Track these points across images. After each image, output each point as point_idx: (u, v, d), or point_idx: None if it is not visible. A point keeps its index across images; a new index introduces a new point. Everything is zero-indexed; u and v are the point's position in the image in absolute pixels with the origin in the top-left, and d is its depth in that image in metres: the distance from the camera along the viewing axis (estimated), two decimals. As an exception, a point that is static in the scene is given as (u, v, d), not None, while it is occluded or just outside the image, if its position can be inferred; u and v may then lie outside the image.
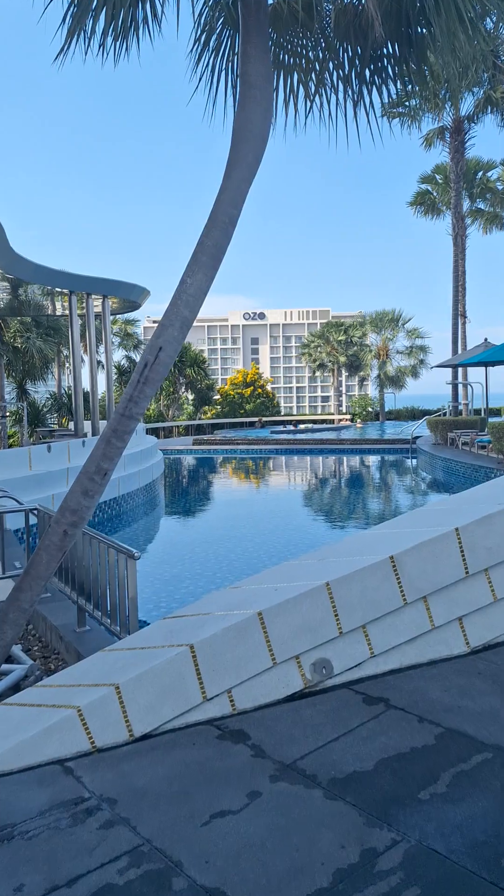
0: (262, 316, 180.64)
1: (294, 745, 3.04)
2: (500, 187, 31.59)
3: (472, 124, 24.35)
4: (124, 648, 3.73)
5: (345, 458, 26.44)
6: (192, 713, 3.36)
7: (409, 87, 5.15)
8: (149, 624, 4.11)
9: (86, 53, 4.24)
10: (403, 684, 3.53)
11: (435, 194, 31.14)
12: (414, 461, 24.10)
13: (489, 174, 30.43)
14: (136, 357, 39.76)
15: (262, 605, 3.55)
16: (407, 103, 24.26)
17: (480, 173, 30.18)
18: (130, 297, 19.68)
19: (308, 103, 5.21)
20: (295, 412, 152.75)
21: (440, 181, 30.44)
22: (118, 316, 38.78)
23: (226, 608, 3.68)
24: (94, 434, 19.32)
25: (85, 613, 4.91)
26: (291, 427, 38.60)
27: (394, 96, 5.13)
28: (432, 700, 3.34)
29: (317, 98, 5.25)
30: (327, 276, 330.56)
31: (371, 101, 4.97)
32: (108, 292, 18.74)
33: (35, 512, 5.78)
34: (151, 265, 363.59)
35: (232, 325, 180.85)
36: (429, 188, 31.13)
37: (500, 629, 3.93)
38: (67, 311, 20.16)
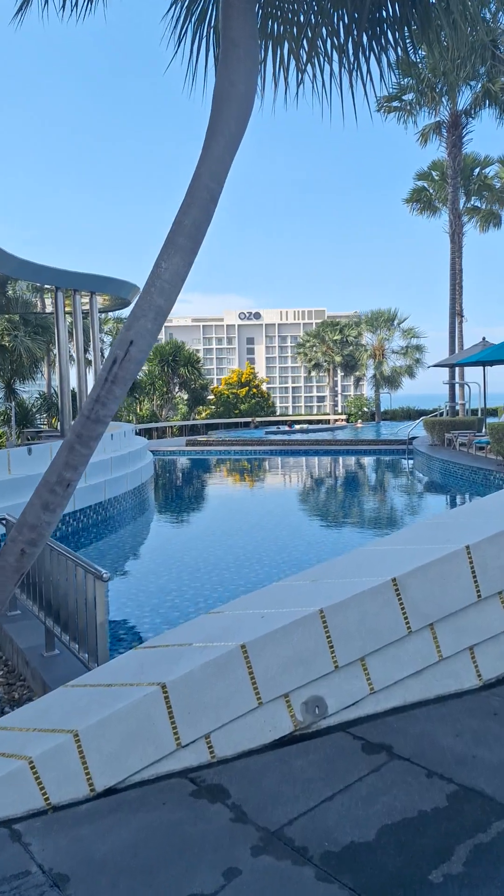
0: (257, 316, 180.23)
1: (281, 806, 2.59)
2: (498, 184, 31.22)
3: (470, 119, 23.94)
4: (89, 684, 3.28)
5: (340, 460, 25.99)
6: (164, 762, 2.91)
7: (412, 54, 4.66)
8: (124, 651, 3.66)
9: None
10: (408, 727, 3.08)
11: (431, 191, 30.72)
12: (410, 462, 23.67)
13: (486, 171, 30.04)
14: (129, 356, 39.24)
15: (246, 635, 3.09)
16: (403, 97, 23.85)
17: (478, 170, 29.79)
18: (120, 293, 19.20)
19: (300, 76, 4.74)
20: (291, 412, 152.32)
21: (437, 178, 30.02)
22: (110, 314, 38.29)
23: (206, 638, 3.23)
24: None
25: (53, 636, 4.45)
26: (286, 427, 38.11)
27: (394, 63, 4.65)
28: (442, 748, 2.89)
29: (309, 71, 4.78)
30: (324, 275, 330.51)
31: (369, 70, 4.50)
32: (95, 289, 18.26)
33: (3, 522, 5.31)
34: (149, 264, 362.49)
35: (227, 325, 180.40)
36: (425, 185, 30.69)
37: (516, 659, 3.48)
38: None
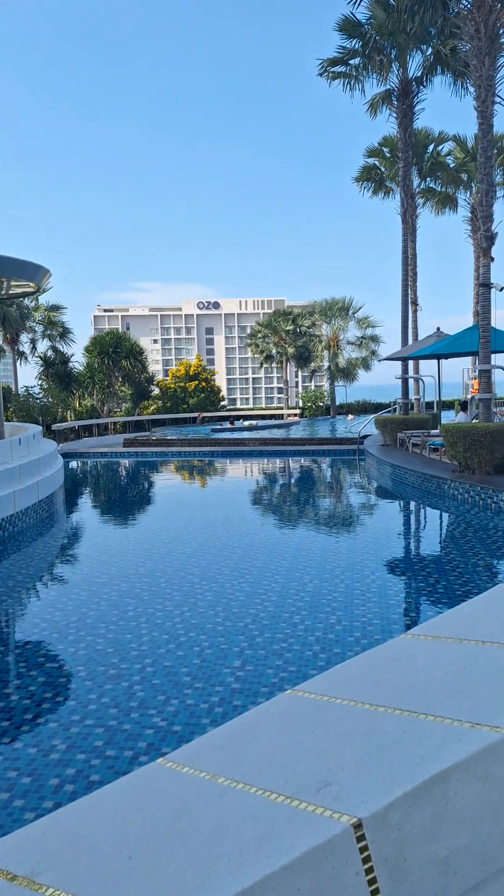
0: (216, 305, 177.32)
1: None
2: (452, 164, 29.25)
3: (422, 87, 21.78)
4: None
5: (287, 462, 23.80)
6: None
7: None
8: None
9: None
10: None
11: (383, 170, 28.60)
12: (360, 465, 21.58)
13: (440, 148, 28.01)
14: (63, 348, 36.47)
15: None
16: (349, 61, 21.60)
17: (431, 147, 27.77)
18: (22, 277, 16.64)
19: None
20: (251, 404, 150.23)
21: (388, 155, 27.93)
22: (42, 301, 35.53)
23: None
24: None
25: None
26: (229, 424, 35.73)
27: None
28: None
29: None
30: (284, 265, 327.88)
31: None
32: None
33: None
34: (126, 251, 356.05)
35: (186, 315, 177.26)
36: (376, 162, 28.56)
37: None
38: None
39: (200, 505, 16.37)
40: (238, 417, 41.42)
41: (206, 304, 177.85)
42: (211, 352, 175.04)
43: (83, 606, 7.73)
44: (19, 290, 19.33)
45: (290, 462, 23.60)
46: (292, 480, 20.36)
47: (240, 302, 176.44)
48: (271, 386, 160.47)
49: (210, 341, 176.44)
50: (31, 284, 17.79)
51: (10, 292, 19.55)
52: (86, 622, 7.17)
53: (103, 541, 12.21)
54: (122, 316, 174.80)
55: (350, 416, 41.61)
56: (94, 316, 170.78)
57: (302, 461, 23.52)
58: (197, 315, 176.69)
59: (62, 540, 12.59)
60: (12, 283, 18.75)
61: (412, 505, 15.11)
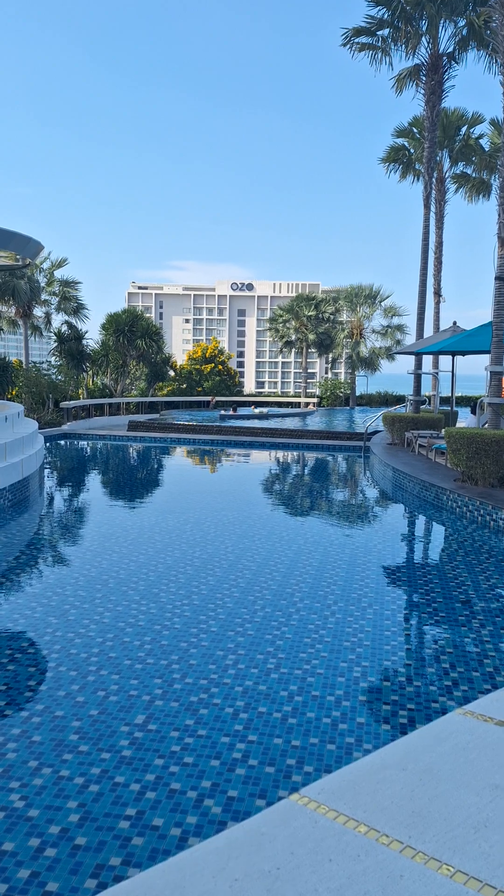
0: (250, 287, 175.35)
1: None
2: (487, 147, 27.56)
3: (453, 63, 20.25)
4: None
5: (289, 455, 22.72)
6: None
7: None
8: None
9: None
10: None
11: (412, 151, 27.04)
12: (363, 464, 20.42)
13: (472, 130, 26.34)
14: (77, 323, 35.59)
15: None
16: (377, 32, 20.16)
17: (464, 128, 26.13)
18: (8, 247, 15.67)
19: None
20: (279, 389, 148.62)
21: (419, 136, 26.37)
22: (56, 275, 34.68)
23: None
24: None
25: None
26: (231, 411, 34.51)
27: None
28: None
29: None
30: (322, 249, 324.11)
31: None
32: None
33: None
34: (158, 224, 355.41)
35: (219, 296, 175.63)
36: (405, 143, 27.00)
37: None
38: None
39: (179, 497, 15.34)
40: (241, 404, 40.25)
41: (239, 285, 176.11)
42: (242, 334, 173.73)
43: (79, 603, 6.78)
44: (9, 263, 18.40)
45: (291, 456, 22.49)
46: (288, 477, 19.27)
47: (274, 284, 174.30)
48: (300, 371, 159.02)
49: (241, 323, 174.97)
50: (17, 255, 16.85)
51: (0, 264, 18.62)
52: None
53: (73, 525, 11.26)
54: (155, 294, 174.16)
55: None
56: (128, 293, 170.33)
57: (304, 456, 22.40)
58: (230, 296, 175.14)
59: (36, 521, 11.67)
60: (6, 256, 17.86)
61: (406, 516, 13.95)
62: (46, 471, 17.68)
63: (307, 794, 1.56)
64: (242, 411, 35.58)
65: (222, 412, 34.09)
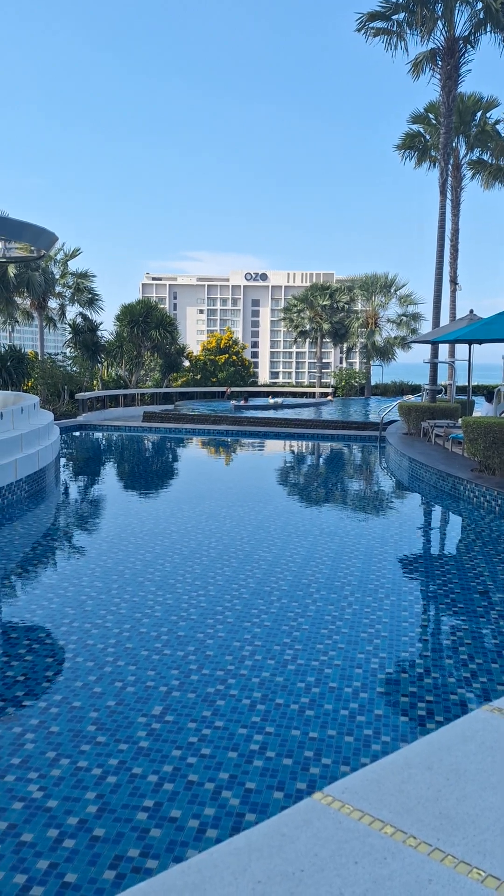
0: (263, 277, 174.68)
1: None
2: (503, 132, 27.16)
3: (469, 47, 19.95)
4: None
5: (304, 446, 22.65)
6: None
7: None
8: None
9: None
10: None
11: (427, 137, 26.72)
12: (379, 454, 20.30)
13: (489, 115, 25.97)
14: (92, 314, 35.61)
15: None
16: (392, 16, 19.89)
17: (479, 113, 25.78)
18: (22, 238, 15.65)
19: None
20: (294, 379, 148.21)
21: (434, 122, 26.04)
22: (70, 267, 34.72)
23: None
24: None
25: None
26: (243, 402, 34.42)
27: None
28: None
29: None
30: (335, 239, 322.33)
31: None
32: (9, 236, 14.72)
33: None
34: (170, 214, 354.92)
35: (233, 286, 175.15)
36: (420, 129, 26.67)
37: None
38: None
39: (194, 487, 15.33)
40: (256, 394, 40.13)
41: (253, 275, 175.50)
42: (256, 324, 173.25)
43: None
44: (24, 255, 18.41)
45: (306, 446, 22.41)
46: (303, 467, 19.21)
47: (288, 274, 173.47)
48: (314, 361, 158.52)
49: (255, 313, 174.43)
50: (31, 248, 16.84)
51: (14, 255, 18.63)
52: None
53: (90, 516, 11.29)
54: (169, 285, 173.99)
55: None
56: (143, 284, 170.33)
57: (319, 446, 22.32)
58: (244, 286, 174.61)
59: (53, 512, 11.72)
60: (21, 247, 17.87)
61: (423, 506, 13.85)
62: (62, 462, 17.75)
63: (330, 793, 1.51)
64: (258, 401, 35.50)
65: (233, 402, 34.08)
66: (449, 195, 24.69)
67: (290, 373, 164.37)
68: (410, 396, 38.89)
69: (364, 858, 1.31)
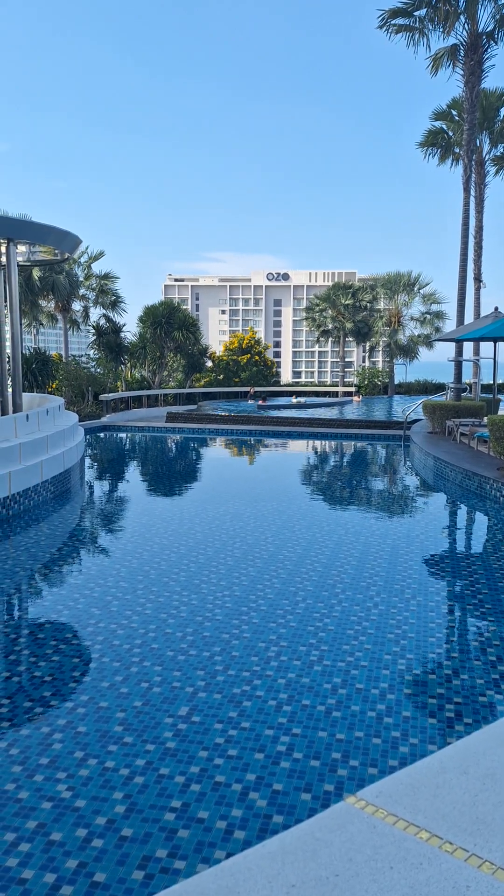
0: (285, 277, 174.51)
1: None
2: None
3: (493, 42, 19.74)
4: None
5: (328, 445, 22.59)
6: None
7: None
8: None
9: None
10: None
11: (451, 134, 26.52)
12: (403, 454, 20.18)
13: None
14: (115, 316, 35.83)
15: None
16: (414, 13, 19.76)
17: (503, 108, 25.51)
18: (46, 242, 15.78)
19: None
20: (317, 379, 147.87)
21: (458, 119, 25.83)
22: (94, 269, 34.98)
23: None
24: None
25: None
26: (261, 402, 34.41)
27: None
28: None
29: None
30: (357, 237, 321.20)
31: None
32: (12, 235, 14.87)
33: None
34: (193, 216, 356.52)
35: (255, 286, 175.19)
36: (443, 126, 26.48)
37: None
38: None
39: (218, 487, 15.35)
40: (278, 394, 40.10)
41: (275, 275, 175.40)
42: (278, 324, 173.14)
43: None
44: (48, 258, 18.56)
45: (330, 445, 22.34)
46: (326, 467, 19.14)
47: (309, 274, 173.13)
48: (338, 360, 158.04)
49: (277, 313, 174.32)
50: (56, 250, 16.97)
51: (38, 258, 18.79)
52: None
53: (114, 517, 11.36)
54: (191, 286, 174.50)
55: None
56: (165, 285, 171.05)
57: (343, 445, 22.24)
58: (266, 286, 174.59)
59: (78, 512, 11.81)
60: (44, 250, 18.03)
61: (448, 506, 13.73)
62: (87, 462, 17.87)
63: (364, 797, 1.50)
64: (281, 401, 35.49)
65: (251, 402, 34.17)
66: (472, 192, 24.48)
67: (312, 372, 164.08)
68: (437, 395, 38.63)
69: (400, 864, 1.29)
